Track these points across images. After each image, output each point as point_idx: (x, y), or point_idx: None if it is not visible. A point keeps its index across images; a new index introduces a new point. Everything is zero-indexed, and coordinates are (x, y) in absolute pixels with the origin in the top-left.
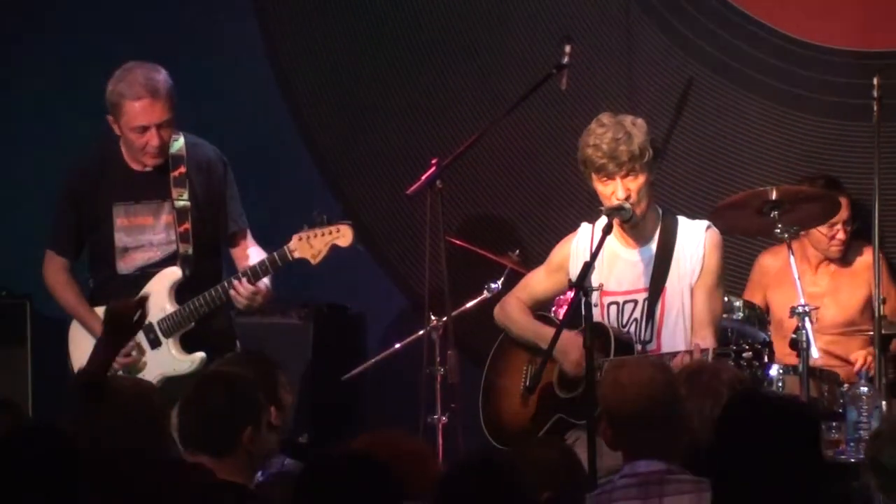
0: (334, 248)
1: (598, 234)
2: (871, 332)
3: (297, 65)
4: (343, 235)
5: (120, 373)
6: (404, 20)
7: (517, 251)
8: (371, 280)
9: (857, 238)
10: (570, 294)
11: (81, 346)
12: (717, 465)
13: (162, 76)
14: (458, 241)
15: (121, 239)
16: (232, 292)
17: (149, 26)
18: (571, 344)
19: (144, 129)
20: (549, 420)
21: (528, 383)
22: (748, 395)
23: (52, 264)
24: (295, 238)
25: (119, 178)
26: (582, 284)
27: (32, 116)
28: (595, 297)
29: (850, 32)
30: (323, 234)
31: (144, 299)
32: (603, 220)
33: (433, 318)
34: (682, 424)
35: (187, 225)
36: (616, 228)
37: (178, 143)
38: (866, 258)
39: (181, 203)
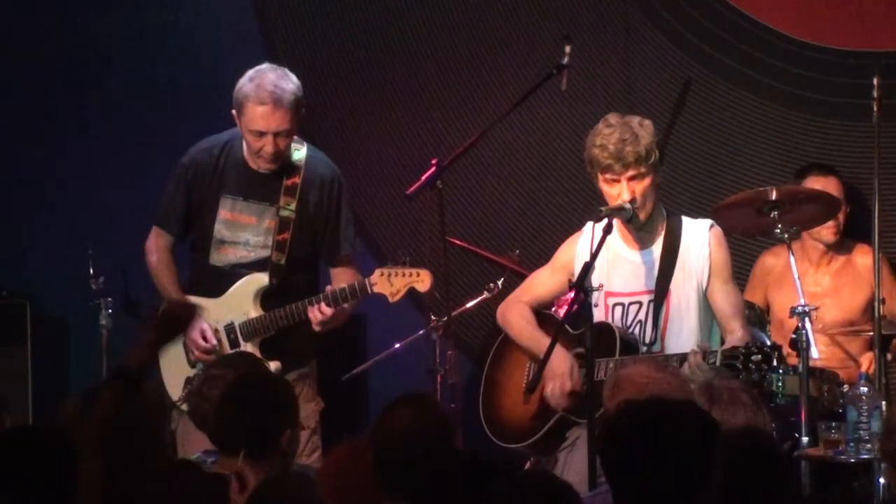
0: (412, 291)
1: (600, 235)
2: (872, 333)
3: (297, 65)
4: (422, 281)
5: (199, 366)
6: (404, 20)
7: (517, 251)
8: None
9: (859, 240)
10: (570, 294)
11: None
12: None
13: (291, 87)
14: (458, 241)
15: (220, 231)
16: (310, 312)
17: (148, 26)
18: (558, 371)
19: (261, 134)
20: (551, 418)
21: (530, 382)
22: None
23: (156, 241)
24: (377, 272)
25: (234, 172)
26: (582, 285)
27: (31, 116)
28: (597, 297)
29: (850, 32)
30: (404, 275)
31: (196, 308)
32: (605, 220)
33: (433, 318)
34: None
35: (286, 235)
36: (620, 229)
37: (300, 154)
38: (868, 259)
39: (286, 212)
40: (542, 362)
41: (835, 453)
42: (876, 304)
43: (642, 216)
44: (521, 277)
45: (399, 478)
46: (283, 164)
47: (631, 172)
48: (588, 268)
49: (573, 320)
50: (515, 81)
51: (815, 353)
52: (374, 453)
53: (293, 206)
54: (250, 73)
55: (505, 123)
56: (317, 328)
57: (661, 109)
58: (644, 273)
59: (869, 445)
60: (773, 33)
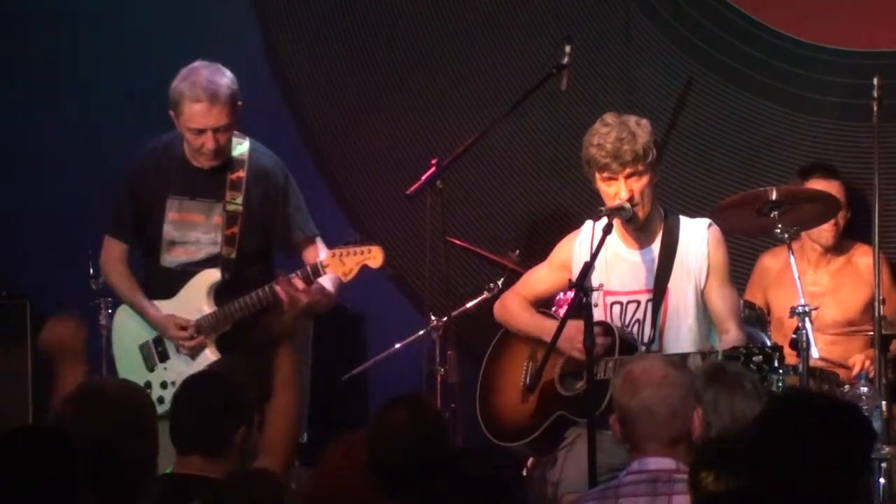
0: (365, 268)
1: (599, 234)
2: (872, 333)
3: (297, 65)
4: (374, 257)
5: (185, 354)
6: (404, 20)
7: (517, 251)
8: (371, 280)
9: (859, 240)
10: (571, 294)
11: (126, 332)
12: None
13: (225, 81)
14: (458, 241)
15: (169, 232)
16: (279, 288)
17: (148, 26)
18: (577, 332)
19: (200, 131)
20: (550, 417)
21: (528, 382)
22: (796, 395)
23: (111, 252)
24: (328, 254)
25: (178, 172)
26: (582, 284)
27: (30, 115)
28: (596, 296)
29: (850, 32)
30: (355, 254)
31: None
32: (605, 220)
33: (433, 318)
34: (692, 424)
35: (235, 229)
36: (619, 229)
37: (242, 148)
38: (868, 259)
39: (233, 206)
40: (551, 342)
41: None
42: (876, 303)
43: (641, 215)
44: (521, 278)
45: (396, 479)
46: (227, 160)
47: (629, 171)
48: (588, 268)
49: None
50: (516, 81)
51: (815, 353)
52: (371, 454)
53: (239, 200)
54: (183, 71)
55: (505, 123)
56: (288, 308)
57: (661, 109)
58: (642, 272)
59: None
60: (773, 33)
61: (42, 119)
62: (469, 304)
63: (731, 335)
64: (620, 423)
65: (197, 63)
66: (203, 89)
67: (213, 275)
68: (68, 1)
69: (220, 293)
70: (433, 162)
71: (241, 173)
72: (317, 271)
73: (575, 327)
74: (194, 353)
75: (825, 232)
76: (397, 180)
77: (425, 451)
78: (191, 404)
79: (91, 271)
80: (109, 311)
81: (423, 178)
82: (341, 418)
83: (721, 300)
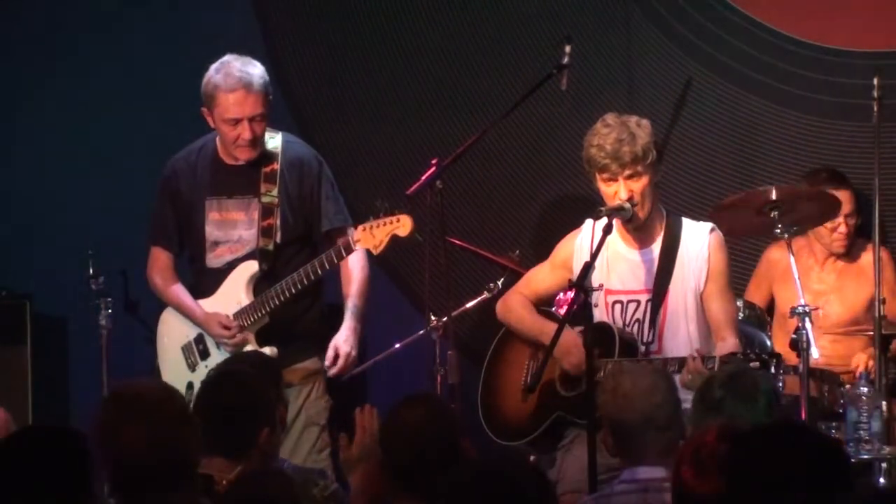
0: (394, 238)
1: (600, 234)
2: (873, 332)
3: (297, 65)
4: (403, 225)
5: (198, 369)
6: (404, 21)
7: (517, 251)
8: (371, 280)
9: (863, 237)
10: (571, 294)
11: (168, 336)
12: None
13: (258, 70)
14: (458, 241)
15: (211, 233)
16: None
17: (148, 26)
18: (572, 345)
19: (237, 121)
20: (550, 417)
21: (529, 381)
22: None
23: (158, 262)
24: (359, 229)
25: (213, 173)
26: (582, 284)
27: (29, 115)
28: (597, 296)
29: (850, 32)
30: (384, 224)
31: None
32: (605, 219)
33: (433, 318)
34: (683, 430)
35: (271, 220)
36: (619, 228)
37: (275, 141)
38: (869, 256)
39: (268, 198)
40: (549, 346)
41: None
42: (876, 303)
43: (641, 215)
44: (521, 277)
45: (413, 477)
46: (261, 154)
47: (628, 172)
48: (588, 268)
49: (574, 318)
50: (516, 81)
51: (815, 353)
52: (385, 451)
53: (274, 191)
54: (215, 65)
55: (505, 123)
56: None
57: (661, 109)
58: (643, 272)
59: (869, 446)
60: (773, 33)
61: (40, 119)
62: (469, 304)
63: (728, 343)
64: (615, 437)
65: (227, 56)
66: (237, 79)
67: (251, 266)
68: (68, 1)
69: (259, 285)
70: (433, 162)
71: (276, 165)
72: (349, 248)
73: (573, 340)
74: (237, 350)
75: (836, 241)
76: (397, 180)
77: (443, 448)
78: (212, 405)
79: (91, 271)
80: (109, 311)
81: (423, 178)
82: (341, 418)
83: (719, 307)
